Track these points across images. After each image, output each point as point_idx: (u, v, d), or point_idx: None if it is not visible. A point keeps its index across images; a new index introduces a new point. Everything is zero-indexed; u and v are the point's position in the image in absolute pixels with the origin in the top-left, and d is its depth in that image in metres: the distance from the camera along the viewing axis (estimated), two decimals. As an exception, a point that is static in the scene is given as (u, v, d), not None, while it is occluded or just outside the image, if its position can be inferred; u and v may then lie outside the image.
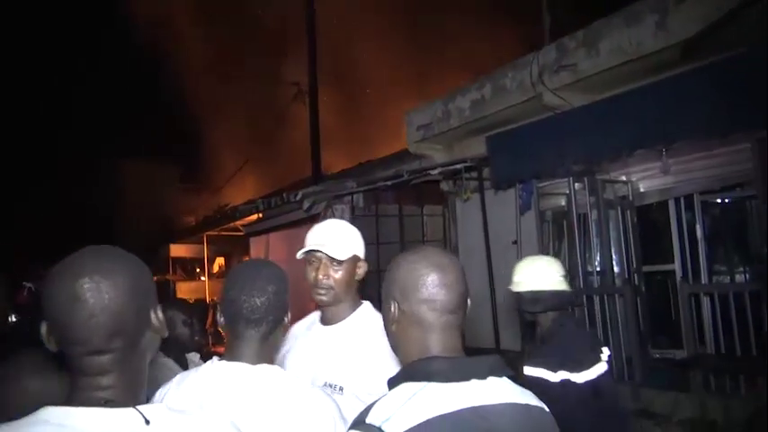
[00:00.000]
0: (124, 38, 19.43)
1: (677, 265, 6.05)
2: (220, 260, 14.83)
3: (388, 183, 7.42)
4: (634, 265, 6.33)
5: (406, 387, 1.21)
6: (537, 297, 2.76)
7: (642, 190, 6.40)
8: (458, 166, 6.85)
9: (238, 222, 11.43)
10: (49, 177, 20.37)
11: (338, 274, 2.00)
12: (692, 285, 5.63)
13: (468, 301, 1.34)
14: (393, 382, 1.25)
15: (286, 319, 1.63)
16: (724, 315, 5.20)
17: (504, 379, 1.26)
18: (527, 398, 1.28)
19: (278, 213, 9.14)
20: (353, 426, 1.20)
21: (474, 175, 6.94)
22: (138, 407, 1.04)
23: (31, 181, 20.19)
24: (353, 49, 14.84)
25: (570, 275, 6.43)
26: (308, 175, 11.09)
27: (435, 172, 7.02)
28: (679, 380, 5.12)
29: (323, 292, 1.99)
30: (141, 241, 17.30)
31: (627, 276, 6.27)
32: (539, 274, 2.79)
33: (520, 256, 6.40)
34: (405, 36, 14.28)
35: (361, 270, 2.06)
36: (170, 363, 2.61)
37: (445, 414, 1.16)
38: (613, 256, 6.40)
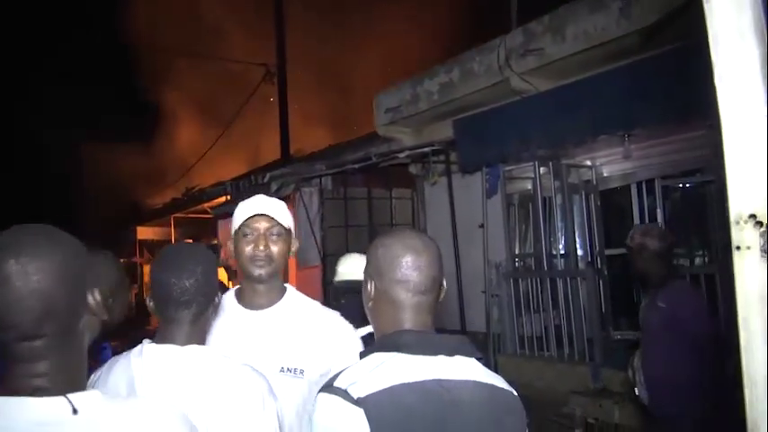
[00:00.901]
0: (92, 17, 18.93)
1: (638, 249, 6.18)
2: (189, 242, 14.68)
3: (356, 166, 7.40)
4: (597, 249, 6.46)
5: (376, 356, 1.29)
6: (350, 286, 3.23)
7: (606, 174, 6.52)
8: (425, 150, 6.86)
9: (206, 204, 11.30)
10: (11, 157, 19.83)
11: (278, 246, 1.94)
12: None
13: (444, 283, 1.42)
14: (364, 353, 1.34)
15: (217, 299, 1.62)
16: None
17: (473, 360, 1.33)
18: (494, 380, 1.34)
19: (246, 195, 9.02)
20: (322, 389, 1.26)
21: (442, 158, 6.98)
22: (68, 395, 1.00)
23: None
24: (325, 29, 14.70)
25: (535, 258, 6.61)
26: (278, 157, 11.01)
27: (403, 155, 7.02)
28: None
29: (261, 263, 1.91)
30: (107, 224, 17.09)
31: (590, 259, 6.40)
32: (353, 266, 3.27)
33: (486, 240, 6.53)
34: (372, 17, 14.17)
35: (294, 247, 2.02)
36: None
37: (410, 383, 1.23)
38: (577, 240, 6.53)
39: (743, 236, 0.60)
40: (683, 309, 3.22)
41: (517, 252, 6.98)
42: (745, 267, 0.59)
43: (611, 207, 6.60)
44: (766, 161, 0.58)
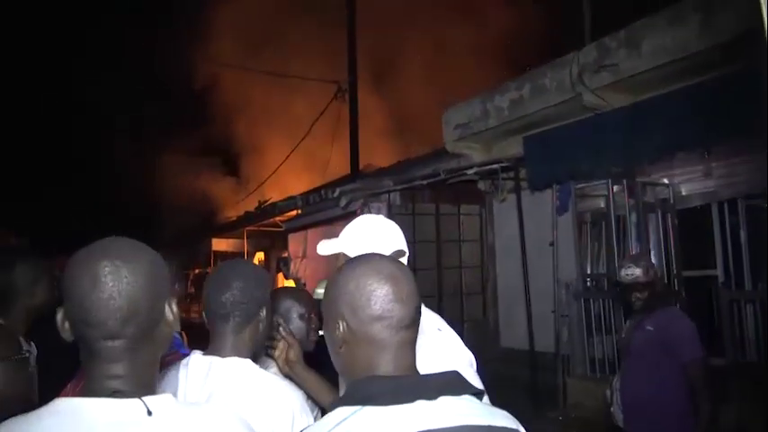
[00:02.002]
0: (172, 36, 19.92)
1: (719, 271, 5.90)
2: (260, 255, 15.09)
3: (425, 182, 7.44)
4: (674, 270, 6.20)
5: (339, 412, 1.09)
6: None
7: (684, 193, 6.26)
8: (494, 166, 6.82)
9: (278, 218, 11.62)
10: (94, 172, 21.07)
11: None
12: (732, 292, 5.49)
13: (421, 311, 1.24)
14: (332, 406, 1.13)
15: (261, 313, 1.70)
16: (767, 323, 5.05)
17: (464, 398, 1.11)
18: (492, 418, 1.12)
19: (316, 210, 9.26)
20: None
21: (511, 175, 6.91)
22: (144, 398, 1.06)
23: (76, 176, 20.93)
24: (395, 48, 14.88)
25: (608, 278, 6.42)
26: (347, 172, 11.20)
27: (471, 172, 7.01)
28: (718, 389, 5.00)
29: None
30: (185, 235, 17.83)
31: (666, 281, 6.15)
32: None
33: (556, 258, 6.41)
34: (445, 34, 14.23)
35: None
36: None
37: None
38: (653, 260, 6.29)
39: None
40: (671, 333, 3.18)
41: (588, 271, 6.80)
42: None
43: (690, 227, 6.33)
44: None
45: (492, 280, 8.17)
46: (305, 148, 14.71)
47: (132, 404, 1.05)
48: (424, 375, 1.13)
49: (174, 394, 1.53)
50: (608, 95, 6.14)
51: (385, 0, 14.32)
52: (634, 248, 6.19)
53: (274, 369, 2.32)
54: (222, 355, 1.62)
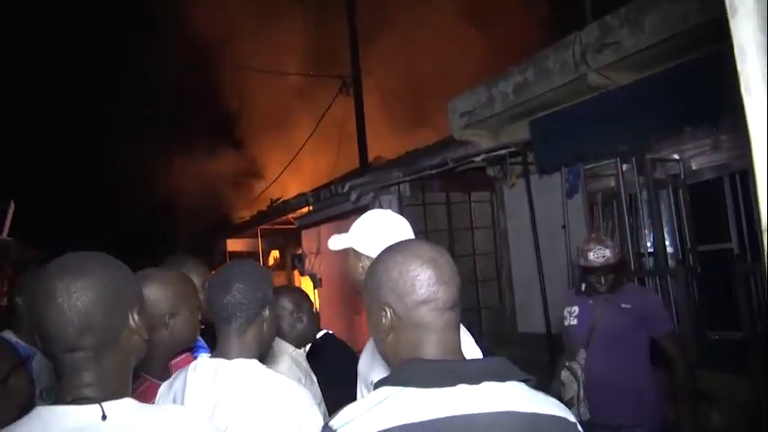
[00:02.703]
0: (177, 34, 20.00)
1: (734, 244, 5.86)
2: (275, 253, 15.18)
3: (434, 171, 7.45)
4: (688, 245, 6.16)
5: (382, 391, 1.11)
6: None
7: (695, 167, 6.20)
8: (502, 152, 6.81)
9: (290, 215, 11.68)
10: (105, 174, 21.26)
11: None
12: (747, 264, 5.45)
13: None
14: (376, 386, 1.15)
15: (265, 313, 1.72)
16: (784, 294, 5.02)
17: (510, 384, 1.11)
18: (540, 406, 1.11)
19: (327, 205, 9.30)
20: (323, 427, 1.14)
21: (519, 160, 6.90)
22: (103, 402, 1.11)
23: (88, 177, 21.15)
24: (398, 38, 14.85)
25: (622, 257, 6.39)
26: (356, 166, 11.23)
27: (479, 159, 7.00)
28: (737, 362, 4.99)
29: None
30: (201, 236, 17.97)
31: (681, 257, 6.12)
32: None
33: (569, 240, 6.39)
34: (447, 21, 14.17)
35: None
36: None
37: (414, 423, 1.03)
38: (666, 237, 6.26)
39: (776, 242, 0.61)
40: (649, 309, 3.15)
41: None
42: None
43: (703, 201, 6.27)
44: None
45: (506, 266, 8.17)
46: (315, 144, 14.77)
47: (90, 409, 1.11)
48: (468, 360, 1.17)
49: (183, 397, 1.58)
50: (612, 74, 6.10)
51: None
52: (647, 226, 6.16)
53: (286, 366, 2.36)
54: (229, 357, 1.64)
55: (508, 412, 1.06)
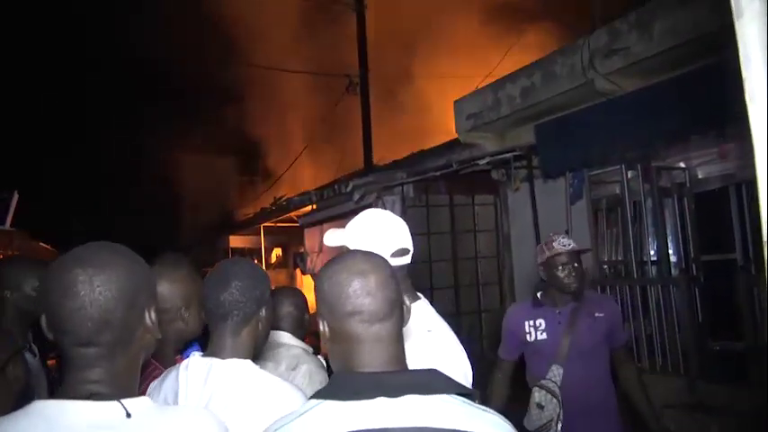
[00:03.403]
0: (181, 33, 20.03)
1: (738, 254, 5.82)
2: (277, 250, 15.21)
3: (438, 173, 7.42)
4: (692, 255, 6.13)
5: (308, 403, 1.14)
6: None
7: (701, 176, 6.17)
8: (507, 156, 6.78)
9: (293, 213, 11.68)
10: (112, 171, 21.31)
11: None
12: (750, 275, 5.40)
13: (407, 303, 1.25)
14: (310, 397, 1.17)
15: (261, 313, 1.68)
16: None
17: (438, 397, 1.08)
18: (468, 422, 1.07)
19: (331, 204, 9.29)
20: None
21: (524, 163, 6.87)
22: (122, 400, 1.08)
23: (94, 174, 21.19)
24: (405, 39, 14.82)
25: (625, 265, 6.37)
26: (361, 166, 11.23)
27: (483, 162, 6.97)
28: (738, 373, 4.95)
29: None
30: (205, 232, 18.01)
31: (684, 266, 6.08)
32: None
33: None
34: (454, 24, 14.15)
35: None
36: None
37: None
38: (670, 246, 6.22)
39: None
40: (615, 317, 2.94)
41: (605, 259, 6.74)
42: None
43: (708, 211, 6.24)
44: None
45: (508, 269, 8.13)
46: (321, 142, 14.78)
47: (110, 406, 1.07)
48: (392, 372, 1.13)
49: (175, 396, 1.55)
50: (620, 80, 6.06)
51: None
52: (650, 234, 6.12)
53: (283, 367, 2.35)
54: (222, 357, 1.60)
55: (424, 428, 1.04)
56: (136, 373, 1.20)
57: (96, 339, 1.10)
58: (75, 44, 20.50)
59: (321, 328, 1.21)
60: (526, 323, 3.01)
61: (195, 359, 1.62)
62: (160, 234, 17.40)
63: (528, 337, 2.99)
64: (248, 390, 1.55)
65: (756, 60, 0.62)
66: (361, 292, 1.15)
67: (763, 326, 5.24)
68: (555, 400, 2.78)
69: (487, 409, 1.13)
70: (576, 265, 2.91)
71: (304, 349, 2.49)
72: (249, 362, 1.63)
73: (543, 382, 2.86)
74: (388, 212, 1.99)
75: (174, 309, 1.89)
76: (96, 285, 1.09)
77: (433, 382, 1.10)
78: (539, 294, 3.06)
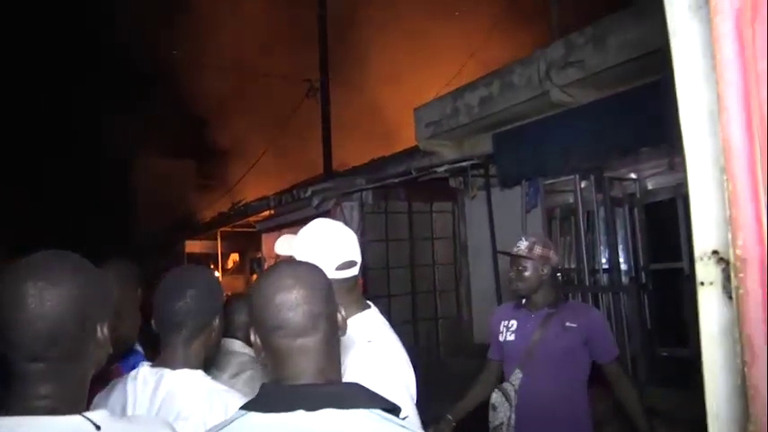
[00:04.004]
0: (136, 34, 19.67)
1: (685, 263, 6.01)
2: (234, 256, 14.99)
3: (396, 180, 7.45)
4: (642, 263, 6.30)
5: (234, 414, 1.15)
6: None
7: (650, 187, 6.36)
8: (464, 164, 6.86)
9: (251, 218, 11.54)
10: (64, 173, 20.69)
11: None
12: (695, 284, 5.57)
13: (341, 316, 1.24)
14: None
15: (214, 322, 1.64)
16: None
17: (356, 411, 1.09)
18: None
19: (289, 210, 9.23)
20: None
21: (481, 172, 6.96)
22: (83, 413, 1.06)
23: (45, 177, 20.55)
24: (365, 45, 14.87)
25: (578, 272, 6.50)
26: (320, 171, 11.18)
27: (442, 170, 7.04)
28: (685, 378, 5.10)
29: None
30: (158, 237, 17.62)
31: (634, 274, 6.25)
32: None
33: (527, 254, 6.45)
34: (414, 31, 14.27)
35: None
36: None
37: None
38: (621, 254, 6.38)
39: (706, 272, 0.61)
40: (593, 329, 2.83)
41: (558, 267, 6.86)
42: (708, 302, 0.60)
43: (657, 221, 6.43)
44: (726, 201, 0.59)
45: (465, 277, 8.21)
46: (281, 147, 14.66)
47: (76, 420, 1.04)
48: (314, 385, 1.14)
49: (123, 408, 1.51)
50: (575, 92, 6.21)
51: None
52: (601, 243, 6.27)
53: (226, 375, 2.31)
54: (173, 367, 1.56)
55: None
56: (86, 387, 1.16)
57: (45, 354, 1.06)
58: (30, 39, 19.94)
59: (253, 338, 1.21)
60: (502, 323, 3.03)
61: (144, 369, 1.58)
62: (109, 238, 16.90)
63: (500, 336, 3.01)
64: (199, 401, 1.52)
65: (688, 83, 0.64)
66: (282, 307, 1.15)
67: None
68: (506, 404, 2.78)
69: (407, 425, 1.12)
70: (519, 268, 2.89)
71: (252, 357, 2.45)
72: (200, 372, 1.60)
73: (504, 384, 2.88)
74: (337, 223, 1.97)
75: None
76: (47, 300, 1.05)
77: (351, 396, 1.11)
78: (524, 299, 3.04)
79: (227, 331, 2.21)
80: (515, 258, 2.90)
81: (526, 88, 6.72)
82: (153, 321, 1.64)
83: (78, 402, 1.12)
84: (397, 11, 14.55)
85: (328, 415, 1.07)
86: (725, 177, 0.59)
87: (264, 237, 10.46)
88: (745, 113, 0.56)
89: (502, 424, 2.77)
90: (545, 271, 2.87)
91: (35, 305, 1.04)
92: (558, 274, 6.75)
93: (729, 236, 0.59)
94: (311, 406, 1.07)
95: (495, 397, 2.84)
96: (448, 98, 7.95)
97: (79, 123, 20.74)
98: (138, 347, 2.11)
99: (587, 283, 5.98)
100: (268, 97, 15.98)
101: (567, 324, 2.81)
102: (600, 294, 5.68)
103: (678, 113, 0.64)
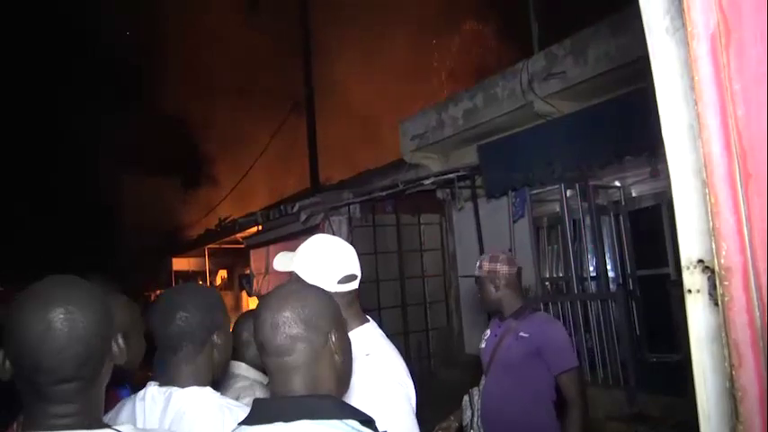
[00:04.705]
0: (125, 53, 19.65)
1: (671, 269, 6.08)
2: (223, 273, 14.90)
3: (384, 193, 7.49)
4: (628, 270, 6.37)
5: (234, 429, 1.22)
6: None
7: (635, 194, 6.45)
8: (451, 176, 6.91)
9: (239, 235, 11.51)
10: (51, 191, 20.52)
11: None
12: (682, 289, 5.63)
13: (333, 337, 1.27)
14: None
15: (214, 338, 1.64)
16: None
17: (329, 423, 1.14)
18: None
19: (277, 225, 9.22)
20: None
21: (468, 183, 7.01)
22: (113, 427, 1.10)
23: (32, 195, 20.36)
24: (349, 61, 14.96)
25: (566, 281, 6.56)
26: (307, 186, 11.19)
27: (428, 182, 7.08)
28: (674, 384, 5.14)
29: None
30: (146, 254, 17.49)
31: (621, 281, 6.31)
32: None
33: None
34: (397, 48, 14.39)
35: None
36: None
37: None
38: (608, 262, 6.45)
39: (693, 280, 0.64)
40: (546, 341, 2.87)
41: (547, 275, 6.93)
42: (696, 308, 0.63)
43: (642, 228, 6.51)
44: (708, 212, 0.62)
45: (454, 288, 8.24)
46: (267, 163, 14.65)
47: None
48: (293, 398, 1.19)
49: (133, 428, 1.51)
50: (557, 102, 6.31)
51: (338, 15, 14.42)
52: (588, 251, 6.33)
53: (245, 402, 2.28)
54: (181, 385, 1.56)
55: None
56: (102, 401, 1.20)
57: (78, 375, 1.09)
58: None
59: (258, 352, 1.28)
60: (484, 332, 3.17)
61: (152, 389, 1.57)
62: (93, 257, 16.72)
63: (481, 344, 3.14)
64: (208, 417, 1.51)
65: (669, 100, 0.68)
66: (264, 327, 1.22)
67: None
68: (470, 407, 2.92)
69: None
70: (477, 287, 3.03)
71: (255, 381, 2.37)
72: (209, 389, 1.59)
73: (473, 388, 3.02)
74: (336, 238, 1.98)
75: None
76: (80, 322, 1.08)
77: (325, 408, 1.16)
78: None
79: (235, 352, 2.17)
80: (476, 279, 3.04)
81: (509, 100, 6.81)
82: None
83: (98, 416, 1.16)
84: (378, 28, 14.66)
85: (303, 426, 1.12)
86: (706, 190, 0.62)
87: (252, 253, 10.43)
88: (723, 131, 0.60)
89: (467, 425, 2.92)
90: (499, 283, 2.96)
91: (68, 329, 1.07)
92: (547, 282, 6.86)
93: (713, 246, 0.62)
94: (288, 417, 1.13)
95: (465, 399, 3.01)
96: (432, 111, 8.02)
97: (61, 139, 20.63)
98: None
99: (576, 291, 6.03)
100: (254, 113, 16.00)
101: (521, 334, 2.88)
102: (589, 302, 5.73)
103: (660, 129, 0.68)
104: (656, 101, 0.75)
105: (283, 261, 1.88)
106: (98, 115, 19.90)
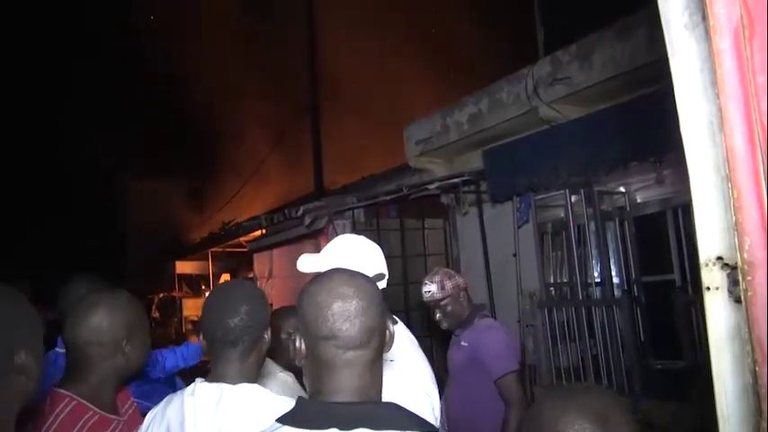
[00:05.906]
0: (137, 57, 19.72)
1: (676, 275, 6.06)
2: (226, 276, 14.90)
3: (388, 198, 7.48)
4: (633, 276, 6.34)
5: (271, 426, 1.13)
6: None
7: (640, 200, 6.42)
8: (456, 180, 6.90)
9: (243, 238, 11.52)
10: (58, 195, 20.58)
11: None
12: (688, 295, 5.63)
13: (391, 328, 1.21)
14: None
15: (266, 336, 1.65)
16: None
17: None
18: None
19: (281, 229, 9.22)
20: None
21: (472, 188, 7.00)
22: None
23: (40, 198, 20.42)
24: (355, 66, 14.99)
25: (570, 286, 6.53)
26: (312, 190, 11.20)
27: (433, 186, 7.07)
28: (679, 390, 5.11)
29: None
30: (150, 258, 17.51)
31: (626, 287, 6.28)
32: None
33: (519, 269, 6.49)
34: (403, 51, 14.42)
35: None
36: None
37: None
38: (612, 267, 6.42)
39: (712, 277, 0.63)
40: (482, 347, 2.97)
41: (551, 281, 6.90)
42: (715, 306, 0.63)
43: (647, 233, 6.49)
44: (730, 208, 0.61)
45: (458, 293, 8.20)
46: (273, 167, 14.68)
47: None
48: (350, 403, 1.10)
49: (181, 424, 1.49)
50: (563, 108, 6.30)
51: (344, 20, 14.46)
52: (594, 256, 6.31)
53: (276, 388, 2.27)
54: (231, 382, 1.55)
55: None
56: (13, 420, 1.10)
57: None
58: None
59: (297, 344, 1.17)
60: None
61: (202, 385, 1.56)
62: (98, 261, 16.76)
63: None
64: (262, 417, 1.47)
65: (688, 96, 0.67)
66: (338, 317, 1.11)
67: (701, 344, 5.46)
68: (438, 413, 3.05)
69: None
70: (443, 309, 3.12)
71: (283, 381, 2.34)
72: (259, 387, 1.59)
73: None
74: (362, 238, 1.97)
75: (113, 342, 1.71)
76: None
77: (388, 417, 1.08)
78: None
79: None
80: (437, 302, 3.16)
81: (514, 105, 6.80)
82: (203, 338, 1.63)
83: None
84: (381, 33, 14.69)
85: None
86: (728, 185, 0.62)
87: (256, 256, 10.42)
88: (746, 124, 0.59)
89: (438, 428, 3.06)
90: (464, 296, 3.14)
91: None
92: (551, 288, 6.83)
93: (733, 241, 0.61)
94: (346, 425, 1.04)
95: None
96: (437, 115, 8.02)
97: (68, 143, 20.70)
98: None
99: (580, 297, 6.01)
100: (260, 117, 16.04)
101: (462, 343, 3.04)
102: (593, 308, 5.71)
103: (679, 126, 0.67)
104: (666, 102, 0.74)
105: (309, 262, 1.87)
106: (104, 117, 19.98)
